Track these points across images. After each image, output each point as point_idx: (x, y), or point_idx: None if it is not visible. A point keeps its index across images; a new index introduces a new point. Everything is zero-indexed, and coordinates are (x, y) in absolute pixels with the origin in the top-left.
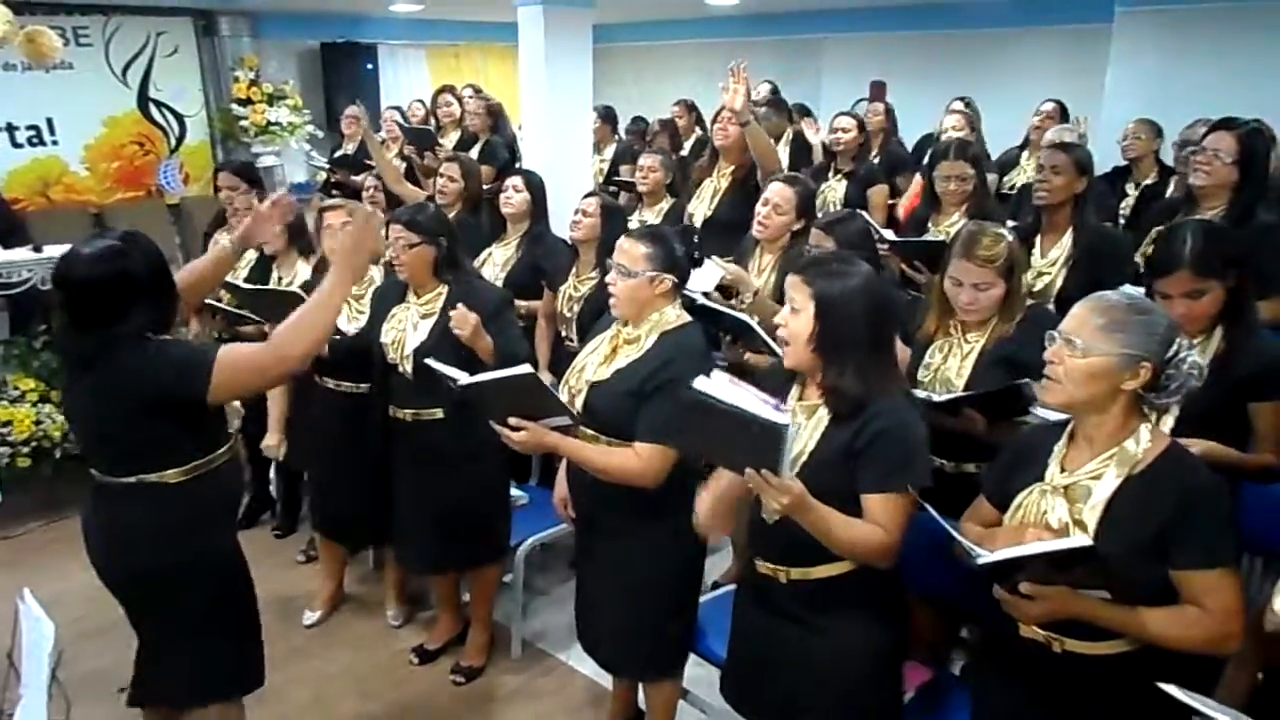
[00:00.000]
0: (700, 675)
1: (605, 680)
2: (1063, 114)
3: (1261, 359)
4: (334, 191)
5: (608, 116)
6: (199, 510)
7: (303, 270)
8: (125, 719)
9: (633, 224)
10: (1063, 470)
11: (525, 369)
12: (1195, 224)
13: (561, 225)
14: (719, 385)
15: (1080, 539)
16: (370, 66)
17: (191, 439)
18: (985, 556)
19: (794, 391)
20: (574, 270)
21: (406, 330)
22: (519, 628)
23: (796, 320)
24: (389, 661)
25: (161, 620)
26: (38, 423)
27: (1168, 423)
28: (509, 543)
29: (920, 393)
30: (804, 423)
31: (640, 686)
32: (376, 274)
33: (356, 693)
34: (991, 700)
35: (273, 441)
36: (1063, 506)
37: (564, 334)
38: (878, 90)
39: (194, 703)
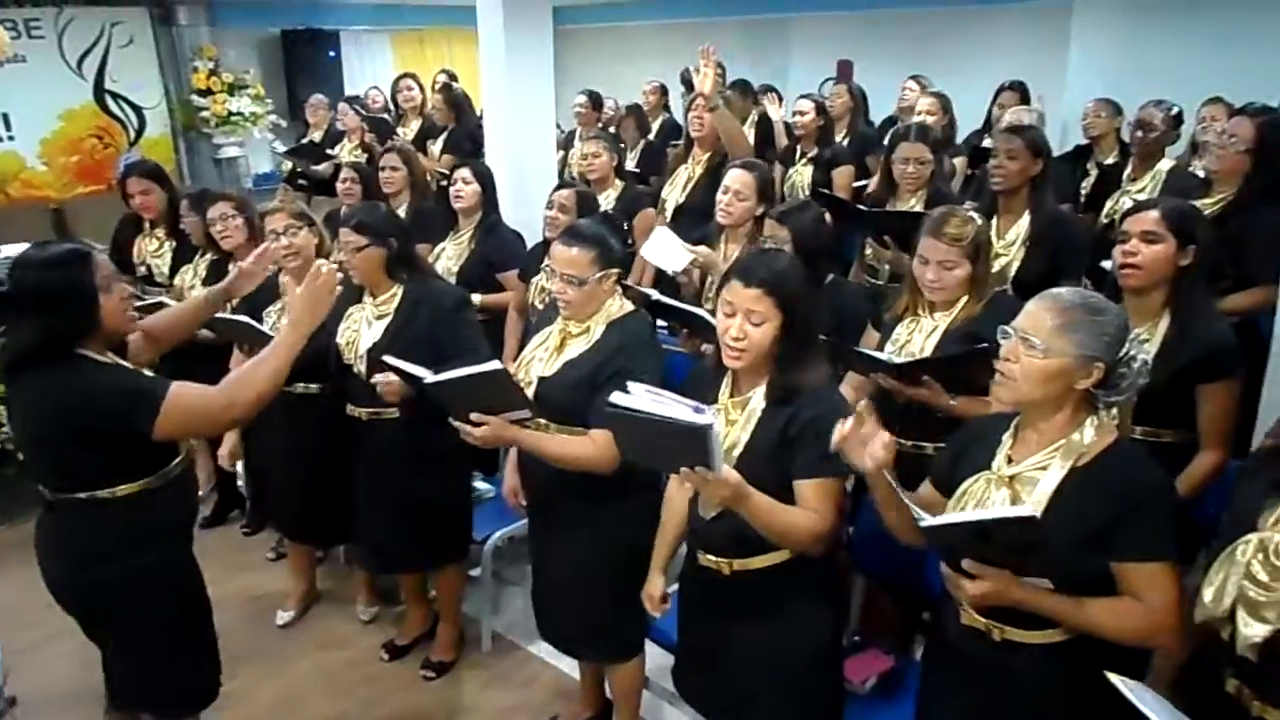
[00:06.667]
0: (666, 665)
1: (575, 673)
2: (1023, 96)
3: (1208, 342)
4: (300, 182)
5: (596, 102)
6: (152, 524)
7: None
8: None
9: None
10: (1009, 461)
11: (496, 365)
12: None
13: (523, 212)
14: (638, 398)
15: (1024, 508)
16: (333, 54)
17: (138, 459)
18: (928, 520)
19: (724, 389)
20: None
21: (360, 330)
22: (489, 621)
23: (760, 331)
24: (359, 658)
25: (115, 635)
26: (0, 425)
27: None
28: (469, 542)
29: (882, 354)
30: (738, 417)
31: (606, 678)
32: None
33: (326, 690)
34: (934, 687)
35: (225, 452)
36: (1006, 497)
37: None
38: (845, 70)
39: (153, 714)
